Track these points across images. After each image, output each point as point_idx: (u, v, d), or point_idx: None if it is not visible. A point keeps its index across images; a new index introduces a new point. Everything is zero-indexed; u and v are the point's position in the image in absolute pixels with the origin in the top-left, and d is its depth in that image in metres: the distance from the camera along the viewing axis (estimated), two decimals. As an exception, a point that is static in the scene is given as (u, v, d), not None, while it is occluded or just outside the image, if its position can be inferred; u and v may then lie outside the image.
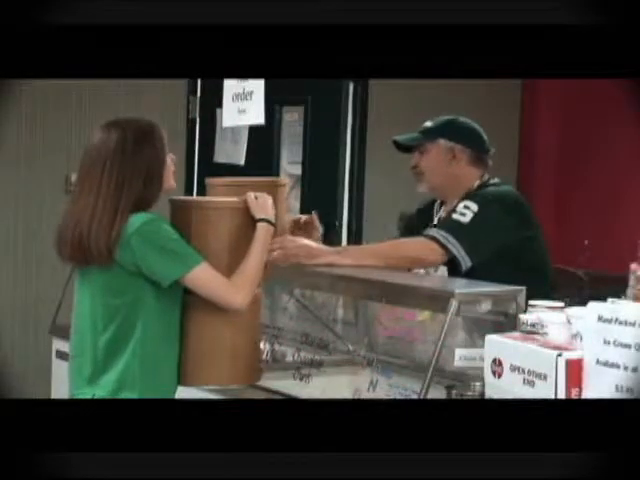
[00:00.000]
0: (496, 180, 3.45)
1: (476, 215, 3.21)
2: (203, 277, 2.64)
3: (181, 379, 2.75)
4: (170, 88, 5.07)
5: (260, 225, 2.75)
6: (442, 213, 3.51)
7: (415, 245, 3.25)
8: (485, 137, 3.48)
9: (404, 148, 3.54)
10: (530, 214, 3.40)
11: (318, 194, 5.93)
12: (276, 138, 5.98)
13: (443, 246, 3.17)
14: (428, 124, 3.49)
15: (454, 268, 3.20)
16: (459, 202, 3.29)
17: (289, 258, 3.08)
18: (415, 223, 3.60)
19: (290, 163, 6.11)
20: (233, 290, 2.66)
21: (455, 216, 3.24)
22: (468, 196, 3.32)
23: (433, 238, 3.19)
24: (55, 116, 5.19)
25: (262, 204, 2.77)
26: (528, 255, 3.30)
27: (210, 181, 3.04)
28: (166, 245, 2.61)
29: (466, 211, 3.23)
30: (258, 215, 2.75)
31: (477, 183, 3.41)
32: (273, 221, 2.77)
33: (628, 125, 5.37)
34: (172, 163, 2.73)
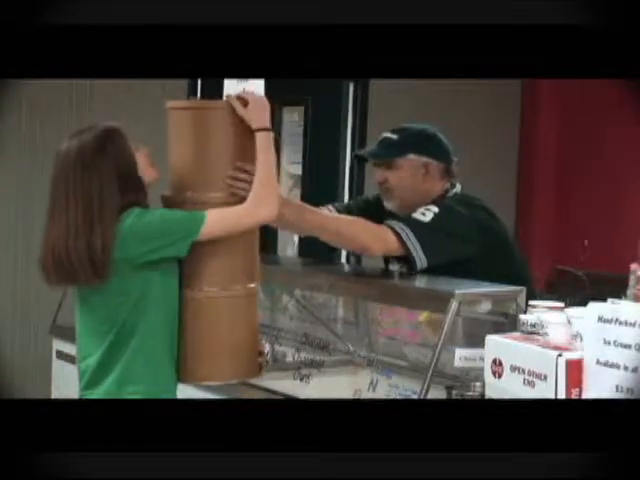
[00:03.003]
0: (458, 188, 3.31)
1: (436, 216, 3.10)
2: (217, 220, 2.62)
3: (180, 376, 2.74)
4: (170, 88, 5.07)
5: (259, 135, 2.67)
6: None
7: (372, 230, 3.10)
8: (450, 148, 3.33)
9: (364, 159, 3.42)
10: (491, 222, 3.26)
11: (318, 194, 5.93)
12: (276, 138, 5.97)
13: (402, 241, 3.05)
14: (393, 137, 3.30)
15: (409, 266, 3.10)
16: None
17: None
18: (374, 211, 3.40)
19: (290, 163, 6.12)
20: (254, 207, 2.63)
21: (415, 215, 3.12)
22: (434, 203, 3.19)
23: (392, 229, 3.07)
24: (55, 116, 5.19)
25: (256, 112, 2.67)
26: (494, 262, 3.13)
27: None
28: (165, 221, 2.59)
29: (426, 212, 3.12)
30: (254, 125, 2.66)
31: (440, 194, 3.27)
32: (268, 126, 2.68)
33: (628, 125, 5.38)
34: (147, 155, 2.70)
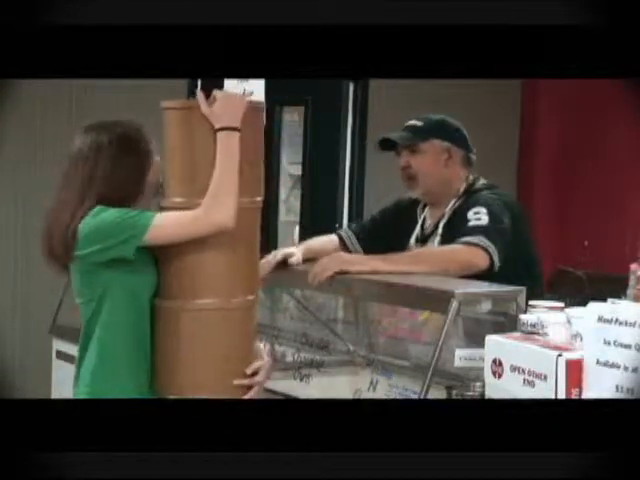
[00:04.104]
0: (484, 181, 3.38)
1: (490, 217, 3.13)
2: (167, 224, 2.54)
3: (162, 388, 2.63)
4: (170, 88, 5.07)
5: (219, 135, 2.55)
6: (427, 217, 3.42)
7: (464, 250, 3.08)
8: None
9: (387, 146, 3.43)
10: (523, 213, 3.36)
11: (318, 194, 5.93)
12: (276, 138, 5.98)
13: (486, 250, 3.06)
14: (417, 123, 3.37)
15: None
16: (467, 209, 3.19)
17: (325, 273, 3.02)
18: (393, 220, 3.51)
19: (290, 163, 6.12)
20: (206, 213, 2.52)
21: (472, 223, 3.13)
22: (470, 201, 3.24)
23: (473, 244, 3.07)
24: (54, 116, 5.19)
25: (222, 109, 2.57)
26: (525, 254, 3.26)
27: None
28: (114, 222, 2.53)
29: (480, 215, 3.14)
30: (217, 124, 2.56)
31: (464, 185, 3.34)
32: (234, 125, 2.56)
33: (628, 125, 5.37)
34: (158, 165, 2.68)
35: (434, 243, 3.30)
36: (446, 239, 3.26)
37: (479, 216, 3.14)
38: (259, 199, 2.70)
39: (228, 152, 2.56)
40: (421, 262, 3.08)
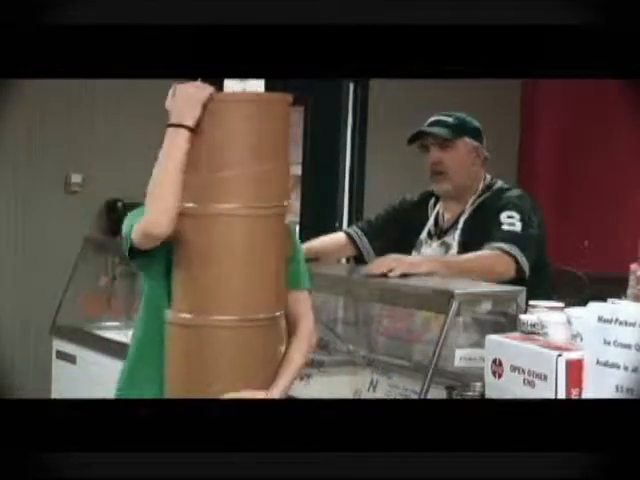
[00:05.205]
0: (502, 182, 3.44)
1: (523, 223, 3.21)
2: (135, 230, 2.39)
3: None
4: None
5: (167, 131, 2.39)
6: (443, 212, 3.46)
7: (490, 257, 3.15)
8: None
9: (414, 140, 3.47)
10: (542, 216, 3.42)
11: (318, 194, 5.93)
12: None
13: (513, 257, 3.13)
14: (448, 119, 3.41)
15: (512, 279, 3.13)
16: (499, 209, 3.25)
17: (393, 271, 3.00)
18: (402, 216, 3.56)
19: (290, 163, 6.12)
20: (144, 219, 2.36)
21: (506, 227, 3.21)
22: (500, 202, 3.30)
23: (501, 250, 3.14)
24: (55, 116, 5.19)
25: (171, 105, 2.43)
26: (541, 255, 3.31)
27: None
28: (124, 224, 2.49)
29: (513, 220, 3.21)
30: (169, 119, 2.40)
31: (482, 183, 3.42)
32: (177, 121, 2.37)
33: (628, 125, 5.37)
34: None
35: (453, 237, 3.35)
36: (466, 233, 3.33)
37: (512, 221, 3.21)
38: (285, 203, 2.51)
39: (166, 151, 2.39)
40: (468, 267, 3.13)
